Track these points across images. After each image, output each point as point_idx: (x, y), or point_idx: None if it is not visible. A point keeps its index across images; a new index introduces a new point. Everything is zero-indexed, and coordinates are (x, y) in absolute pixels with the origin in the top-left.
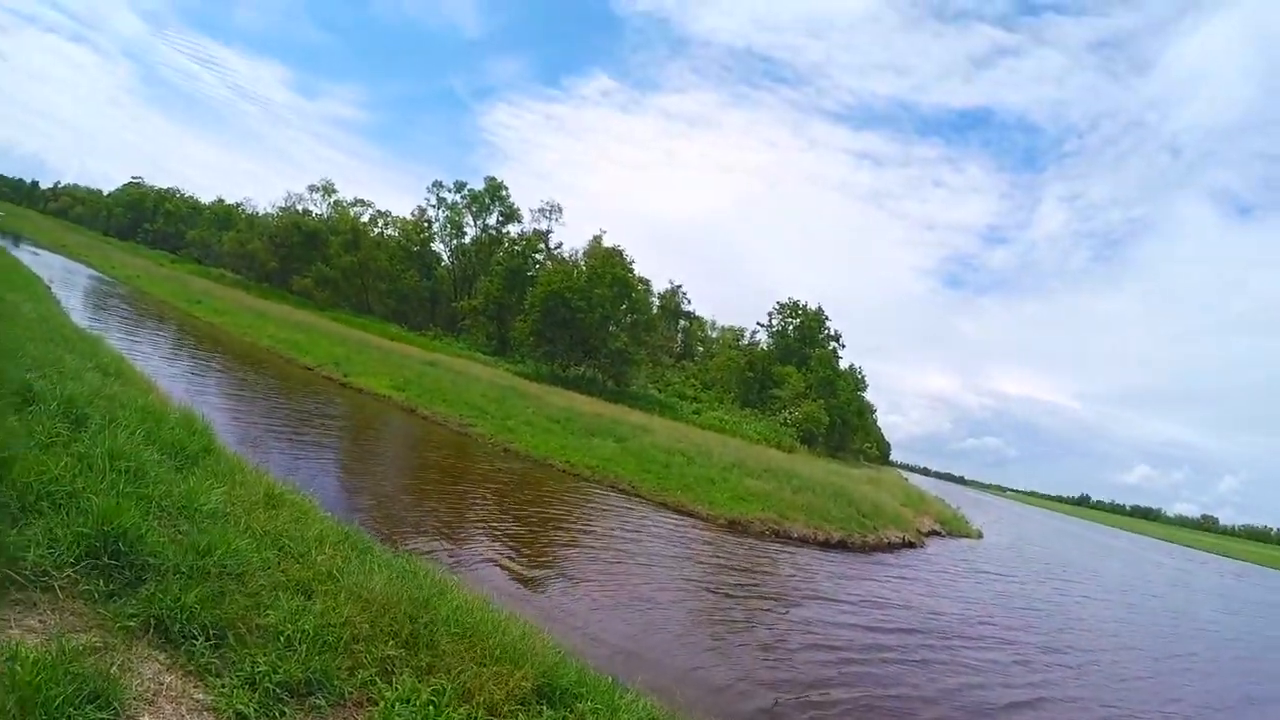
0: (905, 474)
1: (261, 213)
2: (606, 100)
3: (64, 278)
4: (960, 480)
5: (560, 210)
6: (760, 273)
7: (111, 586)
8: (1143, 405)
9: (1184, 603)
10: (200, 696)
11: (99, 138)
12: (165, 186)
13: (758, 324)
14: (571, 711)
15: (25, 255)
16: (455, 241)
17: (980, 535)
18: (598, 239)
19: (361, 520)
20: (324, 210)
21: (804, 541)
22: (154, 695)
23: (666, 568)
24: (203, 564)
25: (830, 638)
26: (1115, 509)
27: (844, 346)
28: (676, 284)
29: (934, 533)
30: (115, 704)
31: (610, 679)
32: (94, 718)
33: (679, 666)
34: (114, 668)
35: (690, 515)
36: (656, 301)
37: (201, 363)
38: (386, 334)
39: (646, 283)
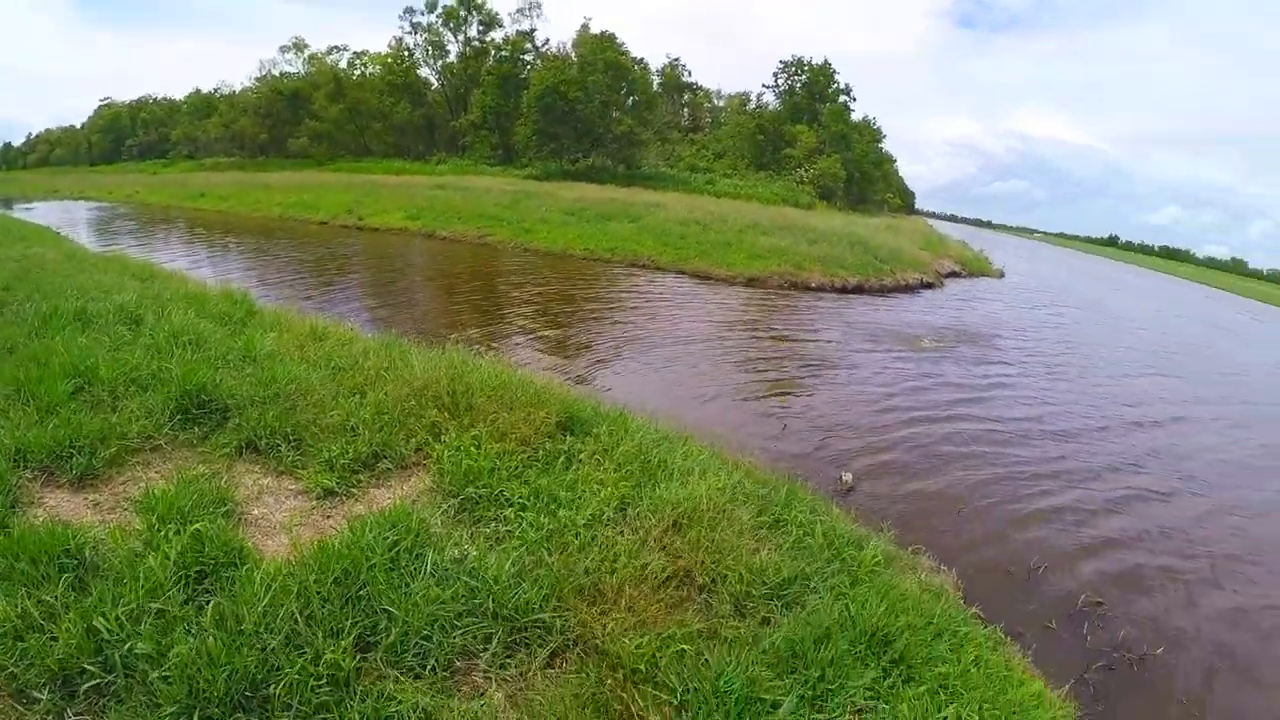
0: (932, 221)
1: (239, 90)
2: None
3: (67, 220)
4: (988, 225)
5: (539, 5)
6: (762, 34)
7: (205, 430)
8: (1172, 147)
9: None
10: (292, 486)
11: (55, 79)
12: (136, 98)
13: (763, 85)
14: (590, 435)
15: (21, 214)
16: (440, 63)
17: (1001, 274)
18: (584, 26)
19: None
20: (300, 68)
21: (820, 290)
22: (259, 494)
23: (680, 322)
24: (271, 391)
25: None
26: (1144, 249)
27: (855, 99)
28: (674, 58)
29: (954, 274)
30: (229, 504)
31: (621, 409)
32: (219, 513)
33: (685, 395)
34: (223, 483)
35: (708, 278)
36: (657, 79)
37: (220, 247)
38: (391, 170)
39: (642, 62)
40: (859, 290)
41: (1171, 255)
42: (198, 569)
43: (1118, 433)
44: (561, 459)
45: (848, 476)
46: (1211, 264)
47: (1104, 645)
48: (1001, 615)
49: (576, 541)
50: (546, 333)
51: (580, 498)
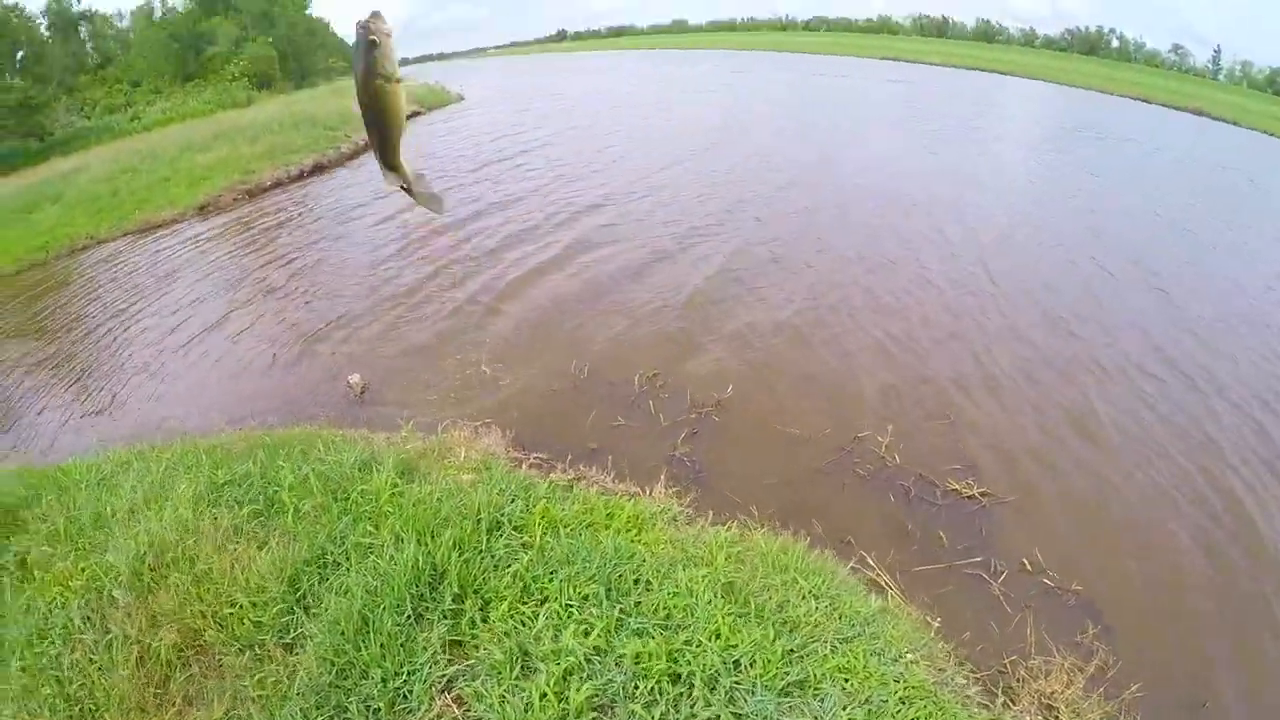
0: None
1: None
2: None
3: None
4: (440, 57)
5: None
6: None
7: None
8: None
9: None
10: None
11: None
12: None
13: None
14: None
15: None
16: None
17: (460, 98)
18: None
19: None
20: None
21: (278, 185)
22: None
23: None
24: None
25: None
26: (592, 35)
27: None
28: None
29: (414, 114)
30: None
31: None
32: None
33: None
34: None
35: (160, 227)
36: (43, 21)
37: None
38: None
39: (17, 8)
40: (317, 169)
41: (619, 33)
42: None
43: None
44: None
45: (355, 379)
46: (656, 30)
47: None
48: None
49: None
50: None
51: None
